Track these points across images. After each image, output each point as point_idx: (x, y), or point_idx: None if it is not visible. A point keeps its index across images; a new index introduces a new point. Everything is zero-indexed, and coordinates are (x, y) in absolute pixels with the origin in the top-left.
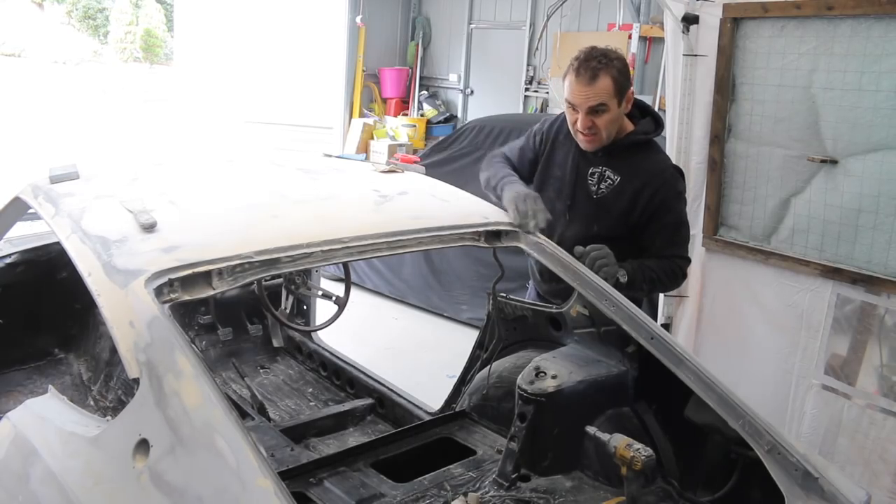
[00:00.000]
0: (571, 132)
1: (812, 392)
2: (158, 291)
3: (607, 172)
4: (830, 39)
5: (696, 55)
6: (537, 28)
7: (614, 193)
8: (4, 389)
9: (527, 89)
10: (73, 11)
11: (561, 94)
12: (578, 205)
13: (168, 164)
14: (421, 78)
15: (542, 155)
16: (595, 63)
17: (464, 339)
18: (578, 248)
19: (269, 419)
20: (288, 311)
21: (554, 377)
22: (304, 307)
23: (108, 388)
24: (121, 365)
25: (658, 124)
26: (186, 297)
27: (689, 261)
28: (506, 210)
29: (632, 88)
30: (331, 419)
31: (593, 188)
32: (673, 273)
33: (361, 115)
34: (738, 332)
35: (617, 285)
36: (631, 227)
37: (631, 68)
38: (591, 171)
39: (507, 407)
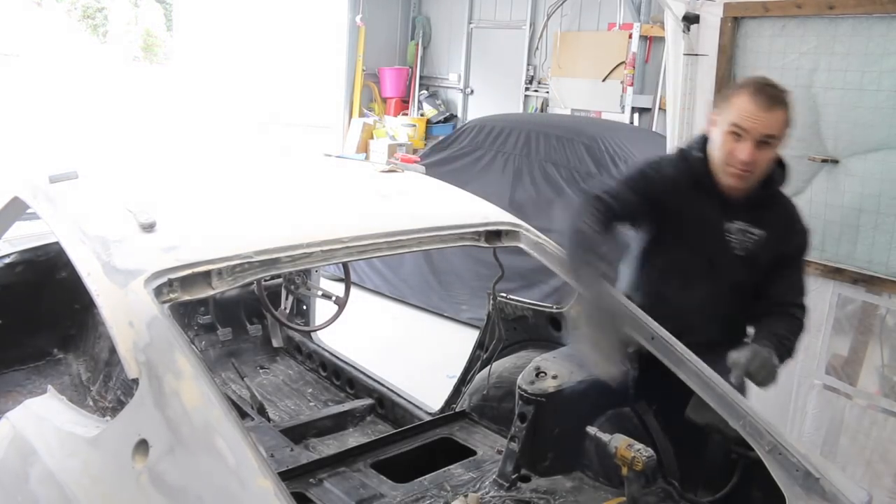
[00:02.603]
0: (720, 165)
1: (813, 392)
2: (158, 291)
3: (749, 227)
4: (831, 39)
5: (696, 54)
6: (537, 28)
7: (761, 249)
8: (4, 389)
9: (527, 89)
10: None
11: (562, 93)
12: (719, 263)
13: (168, 163)
14: (421, 78)
15: (659, 203)
16: (773, 90)
17: (464, 339)
18: (733, 356)
19: (268, 419)
20: (288, 311)
21: (554, 377)
22: (304, 307)
23: (107, 388)
24: (120, 365)
25: (784, 169)
26: (186, 297)
27: (806, 310)
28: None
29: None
30: (330, 419)
31: (735, 245)
32: (800, 331)
33: (361, 114)
34: None
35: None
36: (762, 276)
37: (631, 68)
38: (728, 226)
39: (507, 407)
